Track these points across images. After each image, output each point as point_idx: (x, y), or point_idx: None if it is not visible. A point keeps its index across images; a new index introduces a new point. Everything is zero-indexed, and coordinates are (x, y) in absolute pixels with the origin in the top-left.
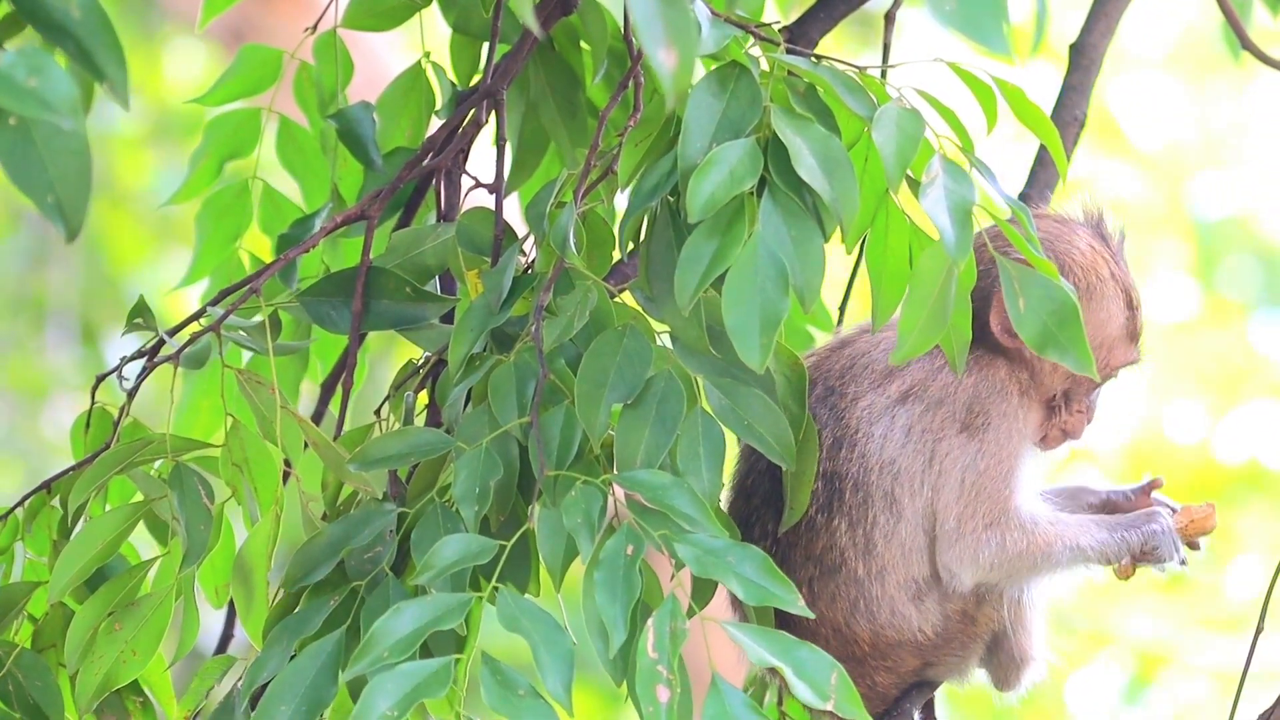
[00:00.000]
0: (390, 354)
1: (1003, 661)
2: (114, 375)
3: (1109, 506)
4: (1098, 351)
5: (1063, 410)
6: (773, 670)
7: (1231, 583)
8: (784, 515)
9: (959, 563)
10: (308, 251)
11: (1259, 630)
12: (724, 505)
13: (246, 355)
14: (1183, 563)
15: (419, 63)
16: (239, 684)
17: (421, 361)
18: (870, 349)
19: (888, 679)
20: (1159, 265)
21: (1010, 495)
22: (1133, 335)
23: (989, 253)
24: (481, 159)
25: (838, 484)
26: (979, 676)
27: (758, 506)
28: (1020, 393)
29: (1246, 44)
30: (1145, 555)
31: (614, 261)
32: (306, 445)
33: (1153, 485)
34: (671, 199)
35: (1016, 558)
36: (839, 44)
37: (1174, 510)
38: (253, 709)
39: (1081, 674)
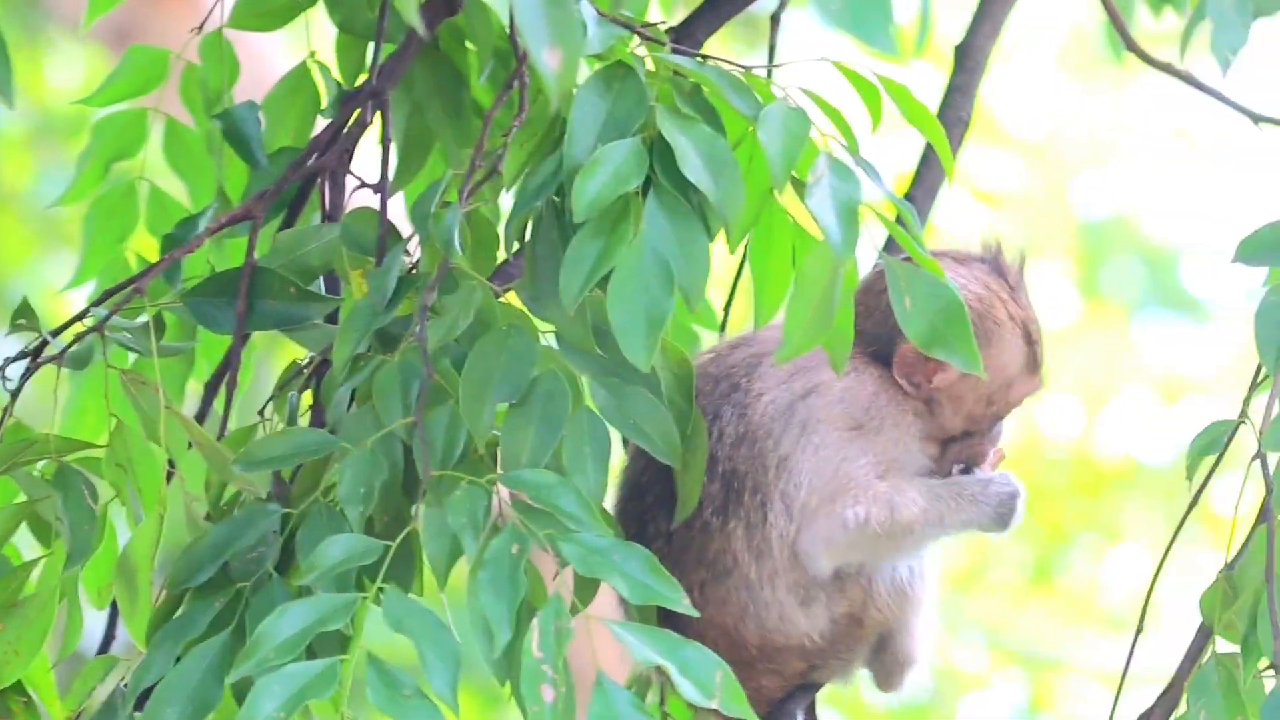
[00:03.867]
0: (274, 354)
1: (886, 663)
2: None
3: None
4: (1000, 391)
5: (958, 443)
6: (657, 669)
7: (1110, 577)
8: (676, 512)
9: (813, 543)
10: (192, 252)
11: (1139, 630)
12: (617, 504)
13: (133, 356)
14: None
15: (304, 63)
16: (122, 684)
17: (306, 362)
18: (775, 347)
19: (773, 682)
20: (1041, 268)
21: (877, 480)
22: (1033, 368)
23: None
24: (366, 159)
25: (735, 485)
26: (862, 676)
27: (651, 505)
28: (915, 415)
29: (1130, 44)
30: (998, 523)
31: (499, 262)
32: (190, 445)
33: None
34: (557, 199)
35: (877, 535)
36: (725, 45)
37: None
38: (138, 711)
39: (977, 694)
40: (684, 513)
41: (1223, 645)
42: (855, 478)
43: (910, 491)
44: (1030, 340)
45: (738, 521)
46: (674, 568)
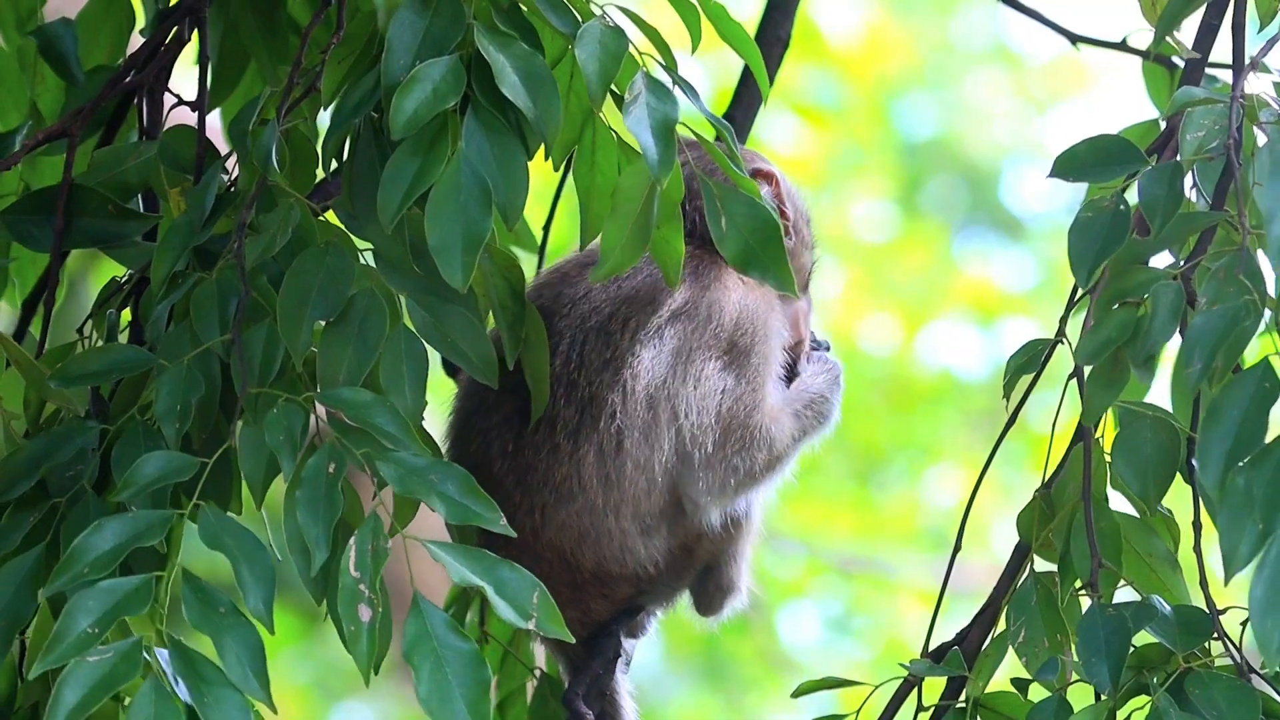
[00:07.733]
0: (90, 272)
1: (709, 589)
2: None
3: None
4: (806, 231)
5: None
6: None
7: (928, 495)
8: (531, 411)
9: (708, 494)
10: (8, 169)
11: (957, 548)
12: (461, 416)
13: None
14: None
15: None
16: None
17: (124, 279)
18: (633, 273)
19: (602, 606)
20: (862, 186)
21: (760, 416)
22: (810, 240)
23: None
24: (184, 77)
25: (594, 410)
26: (683, 601)
27: (498, 423)
28: (781, 308)
29: None
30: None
31: (317, 179)
32: (8, 363)
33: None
34: (375, 116)
35: (759, 474)
36: None
37: None
38: None
39: (793, 605)
40: (539, 409)
41: (1041, 564)
42: (738, 417)
43: (782, 419)
44: (806, 218)
45: (590, 447)
46: (516, 487)
